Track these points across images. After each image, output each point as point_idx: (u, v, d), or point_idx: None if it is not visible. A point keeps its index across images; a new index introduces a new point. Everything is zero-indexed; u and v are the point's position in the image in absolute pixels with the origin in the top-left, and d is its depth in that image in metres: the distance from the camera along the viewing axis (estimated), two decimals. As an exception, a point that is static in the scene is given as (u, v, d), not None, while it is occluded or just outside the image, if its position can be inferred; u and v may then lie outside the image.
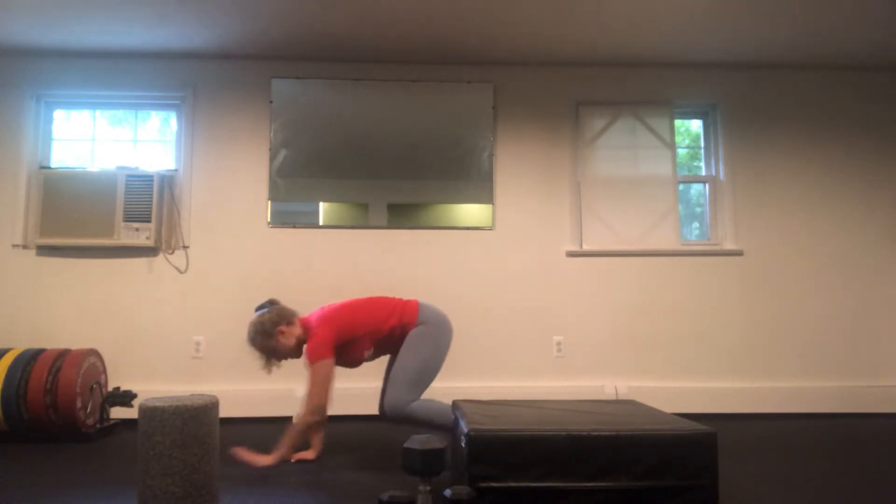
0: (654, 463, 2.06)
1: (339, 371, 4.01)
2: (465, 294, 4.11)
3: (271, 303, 2.82)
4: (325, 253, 4.09)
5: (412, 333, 2.76)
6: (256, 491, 2.33)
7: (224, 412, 3.85)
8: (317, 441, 2.83)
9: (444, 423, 2.67)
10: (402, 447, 1.80)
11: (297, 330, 2.76)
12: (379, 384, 3.95)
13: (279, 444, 2.64)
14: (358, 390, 3.94)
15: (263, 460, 2.60)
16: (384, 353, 2.89)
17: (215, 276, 4.04)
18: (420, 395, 2.71)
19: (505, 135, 4.24)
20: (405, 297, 4.05)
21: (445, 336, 2.81)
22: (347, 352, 2.75)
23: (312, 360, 2.64)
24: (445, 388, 3.96)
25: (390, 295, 4.05)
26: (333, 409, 3.91)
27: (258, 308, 2.80)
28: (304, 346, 2.75)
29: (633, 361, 4.11)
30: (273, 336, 2.72)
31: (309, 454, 2.79)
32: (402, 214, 4.13)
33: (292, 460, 2.75)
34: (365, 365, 4.02)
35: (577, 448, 2.06)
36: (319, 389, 2.62)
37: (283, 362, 2.91)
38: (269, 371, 2.82)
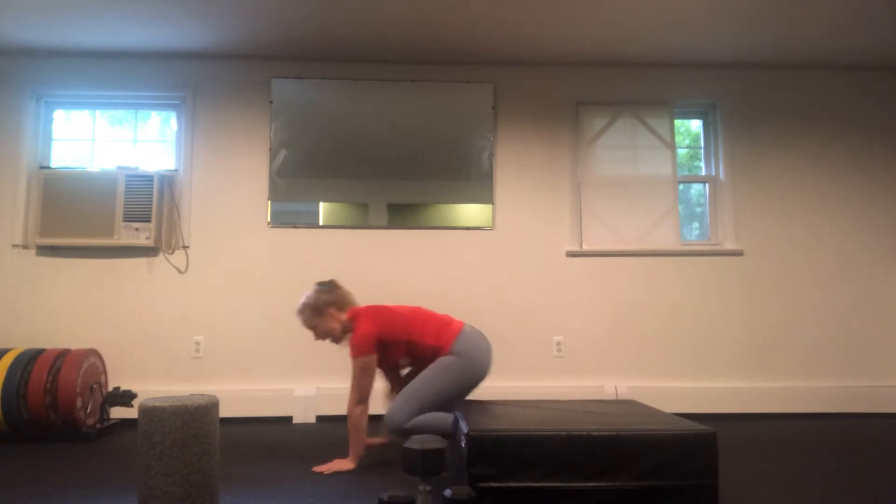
0: (654, 463, 2.06)
1: (340, 371, 4.01)
2: (465, 294, 4.11)
3: (331, 283, 2.83)
4: (325, 253, 4.09)
5: (443, 359, 2.73)
6: (256, 491, 2.33)
7: (224, 412, 3.85)
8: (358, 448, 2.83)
9: (440, 429, 2.67)
10: (403, 447, 1.80)
11: (344, 317, 2.78)
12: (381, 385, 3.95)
13: (351, 446, 2.64)
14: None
15: (346, 465, 2.62)
16: (417, 366, 2.86)
17: (215, 276, 4.04)
18: (416, 413, 2.69)
19: (505, 135, 4.24)
20: (407, 297, 4.05)
21: (476, 373, 2.75)
22: (385, 353, 2.75)
23: (356, 355, 2.65)
24: (445, 388, 3.95)
25: (392, 295, 4.05)
26: (334, 409, 3.91)
27: (319, 283, 2.82)
28: (349, 338, 2.75)
29: (633, 361, 4.11)
30: (321, 314, 2.75)
31: (348, 464, 2.71)
32: (402, 214, 4.13)
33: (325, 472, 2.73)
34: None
35: (577, 448, 2.06)
36: (363, 383, 2.64)
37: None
38: (339, 342, 2.82)
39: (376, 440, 2.90)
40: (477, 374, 2.77)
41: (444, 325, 2.79)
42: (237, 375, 3.97)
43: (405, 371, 3.01)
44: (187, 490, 1.80)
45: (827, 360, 4.15)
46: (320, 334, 2.79)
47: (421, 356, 2.78)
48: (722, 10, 3.56)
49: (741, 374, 4.12)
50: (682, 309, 4.16)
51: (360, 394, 2.65)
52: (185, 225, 4.06)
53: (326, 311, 2.75)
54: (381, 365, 2.84)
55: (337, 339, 2.82)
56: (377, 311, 2.76)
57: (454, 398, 2.75)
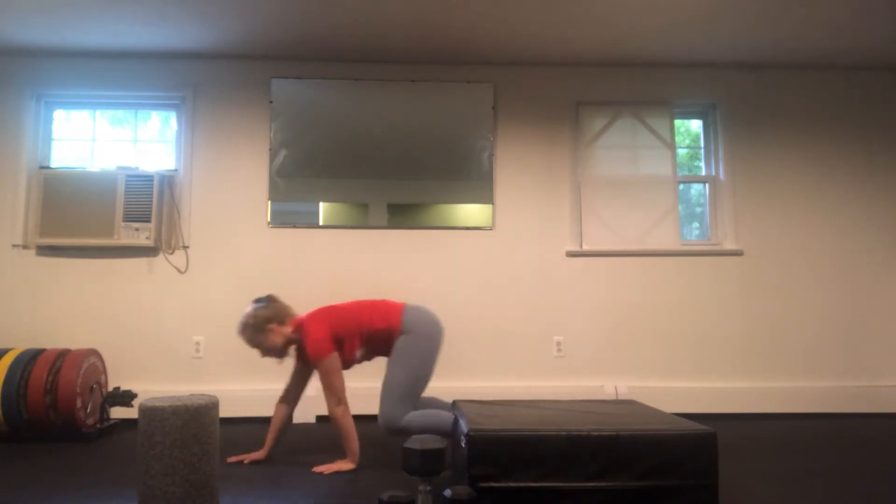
0: (654, 463, 2.06)
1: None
2: (465, 294, 4.11)
3: (269, 298, 2.82)
4: (325, 253, 4.09)
5: (398, 344, 2.75)
6: (256, 491, 2.33)
7: (224, 412, 3.85)
8: (270, 440, 2.85)
9: (439, 429, 2.67)
10: (402, 447, 1.80)
11: (287, 330, 2.77)
12: (379, 384, 3.95)
13: (346, 446, 2.66)
14: (358, 390, 3.93)
15: (346, 465, 2.64)
16: (376, 355, 2.89)
17: (215, 276, 4.04)
18: (412, 406, 2.72)
19: (505, 135, 4.24)
20: (407, 297, 4.05)
21: (433, 342, 2.79)
22: (340, 350, 2.77)
23: (319, 358, 2.65)
24: (445, 388, 3.95)
25: (391, 295, 4.05)
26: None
27: (256, 301, 2.81)
28: (304, 347, 2.76)
29: (633, 361, 4.11)
30: (263, 331, 2.74)
31: (259, 454, 2.81)
32: (402, 214, 4.13)
33: (245, 462, 2.76)
34: (364, 365, 4.01)
35: (576, 448, 2.06)
36: (335, 383, 2.65)
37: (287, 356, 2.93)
38: (280, 360, 2.85)
39: (258, 455, 2.82)
40: (436, 340, 2.80)
41: (389, 308, 2.82)
42: (237, 375, 3.97)
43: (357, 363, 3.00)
44: (187, 490, 1.80)
45: (827, 360, 4.15)
46: (266, 351, 2.79)
47: (376, 342, 2.80)
48: (722, 10, 3.56)
49: (741, 374, 4.12)
50: (682, 309, 4.16)
51: (336, 395, 2.66)
52: (185, 225, 4.06)
53: (267, 327, 2.73)
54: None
55: (281, 354, 2.82)
56: (323, 313, 2.77)
57: (430, 372, 2.77)
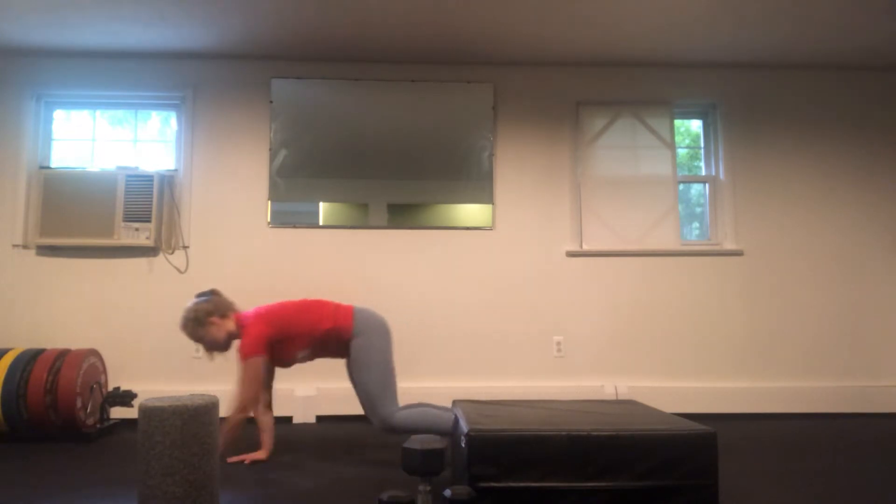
0: (654, 463, 2.06)
1: (340, 371, 4.01)
2: (464, 294, 4.11)
3: (212, 293, 2.84)
4: (325, 253, 4.09)
5: (356, 348, 2.76)
6: (256, 491, 2.33)
7: (224, 412, 3.85)
8: (267, 440, 2.86)
9: (437, 428, 2.69)
10: (402, 447, 1.80)
11: (229, 324, 2.79)
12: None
13: (225, 437, 2.67)
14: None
15: (259, 455, 2.67)
16: (321, 356, 2.90)
17: (215, 276, 4.04)
18: (397, 400, 2.75)
19: (505, 135, 4.24)
20: (408, 298, 4.05)
21: (385, 339, 2.82)
22: (281, 351, 2.78)
23: (244, 357, 2.65)
24: (445, 388, 3.96)
25: (392, 295, 4.05)
26: (334, 409, 3.91)
27: (198, 295, 2.83)
28: (237, 342, 2.78)
29: (633, 361, 4.11)
30: (204, 325, 2.75)
31: (261, 454, 2.82)
32: (402, 214, 4.13)
33: (246, 462, 2.77)
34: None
35: (577, 448, 2.06)
36: (248, 386, 2.65)
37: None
38: (212, 358, 2.87)
39: (259, 454, 2.83)
40: (387, 336, 2.82)
41: (337, 309, 2.82)
42: (237, 375, 3.96)
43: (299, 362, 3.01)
44: (187, 490, 1.80)
45: (827, 360, 4.15)
46: (209, 346, 2.80)
47: (321, 343, 2.80)
48: (722, 10, 3.56)
49: (741, 374, 4.13)
50: (682, 309, 4.16)
51: (244, 399, 2.66)
52: (185, 225, 4.06)
53: (208, 320, 2.75)
54: (278, 363, 2.86)
55: (223, 348, 2.83)
56: (267, 312, 2.77)
57: (394, 366, 2.80)
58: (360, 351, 2.75)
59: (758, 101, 4.34)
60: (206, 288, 4.02)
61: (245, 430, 3.52)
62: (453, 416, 2.63)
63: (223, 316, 2.78)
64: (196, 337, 2.78)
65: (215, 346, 2.80)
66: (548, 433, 2.07)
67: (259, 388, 2.68)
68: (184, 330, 2.78)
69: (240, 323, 2.81)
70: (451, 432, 2.65)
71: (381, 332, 2.81)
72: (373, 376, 2.72)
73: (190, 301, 2.81)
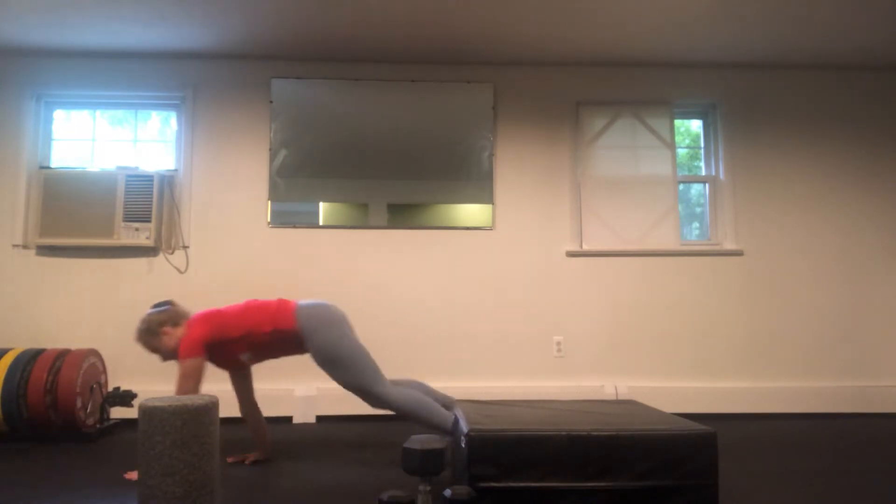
0: (654, 463, 2.06)
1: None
2: (464, 294, 4.11)
3: (168, 303, 2.83)
4: (325, 253, 4.09)
5: (316, 353, 2.73)
6: (256, 491, 2.33)
7: (224, 412, 3.85)
8: (261, 439, 2.86)
9: (435, 419, 2.70)
10: (403, 447, 1.80)
11: (180, 331, 2.77)
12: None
13: None
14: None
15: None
16: (266, 358, 2.88)
17: (215, 276, 4.04)
18: (382, 376, 2.74)
19: (505, 135, 4.24)
20: (408, 298, 4.05)
21: (340, 326, 2.78)
22: (222, 353, 2.77)
23: (182, 358, 2.65)
24: (445, 388, 3.95)
25: (393, 295, 4.05)
26: (334, 409, 3.91)
27: (154, 306, 2.82)
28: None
29: (633, 361, 4.11)
30: (157, 335, 2.74)
31: (259, 454, 2.83)
32: (402, 214, 4.13)
33: (247, 462, 2.77)
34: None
35: (577, 448, 2.06)
36: (187, 386, 2.63)
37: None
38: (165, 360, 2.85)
39: (255, 455, 2.85)
40: (341, 323, 2.78)
41: (280, 309, 2.79)
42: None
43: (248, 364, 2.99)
44: (187, 490, 1.80)
45: (827, 360, 4.15)
46: (164, 355, 2.79)
47: (262, 346, 2.78)
48: (722, 10, 3.56)
49: (741, 374, 4.12)
50: (682, 309, 4.16)
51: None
52: (185, 225, 4.06)
53: (161, 330, 2.74)
54: (224, 366, 2.85)
55: (178, 356, 2.82)
56: (207, 315, 2.76)
57: (359, 345, 2.77)
58: (322, 351, 2.73)
59: (758, 101, 4.34)
60: (205, 287, 4.02)
61: (244, 432, 3.51)
62: (453, 416, 2.64)
63: (175, 325, 2.76)
64: (151, 347, 2.77)
65: (169, 354, 2.79)
66: (548, 433, 2.07)
67: (197, 388, 2.65)
68: (138, 341, 2.77)
69: (188, 328, 2.80)
70: (450, 430, 2.66)
71: (332, 321, 2.77)
72: (350, 369, 2.71)
73: (145, 313, 2.80)
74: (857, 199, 4.28)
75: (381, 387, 2.71)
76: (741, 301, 4.18)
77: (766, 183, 4.28)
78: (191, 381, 2.62)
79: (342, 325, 2.79)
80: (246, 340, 2.75)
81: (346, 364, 2.72)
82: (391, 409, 2.72)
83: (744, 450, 3.06)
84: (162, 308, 2.80)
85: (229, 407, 3.87)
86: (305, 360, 3.99)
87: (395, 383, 2.92)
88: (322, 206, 4.11)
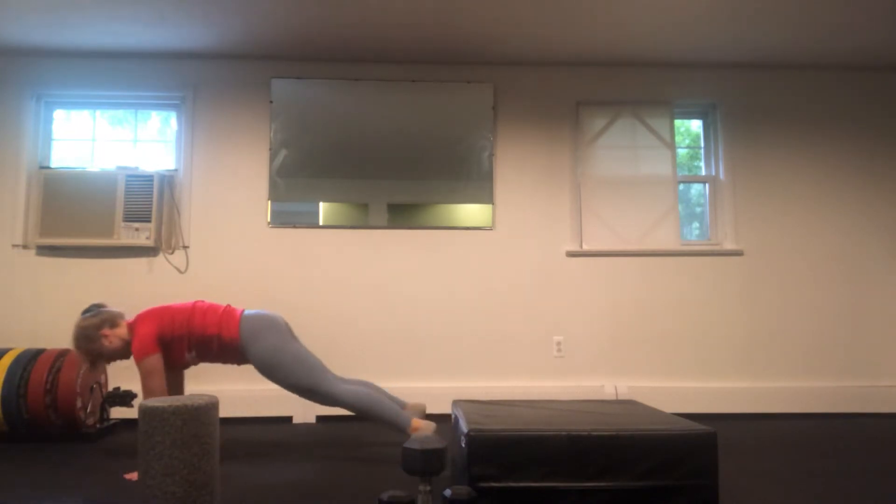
0: (654, 463, 2.06)
1: (341, 371, 4.01)
2: (464, 294, 4.11)
3: (96, 306, 2.80)
4: (325, 253, 4.09)
5: (257, 359, 2.74)
6: (256, 491, 2.33)
7: (224, 412, 3.85)
8: None
9: (386, 417, 2.72)
10: (402, 447, 1.80)
11: (121, 331, 2.76)
12: (382, 384, 3.95)
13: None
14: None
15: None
16: (209, 360, 2.88)
17: (215, 276, 4.04)
18: (327, 372, 2.76)
19: (505, 135, 4.24)
20: (408, 298, 4.05)
21: (280, 331, 2.79)
22: (169, 350, 2.75)
23: (140, 358, 2.64)
24: (445, 388, 3.95)
25: (393, 295, 4.05)
26: (334, 410, 3.91)
27: (83, 312, 2.79)
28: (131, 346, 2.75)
29: (633, 361, 4.11)
30: (96, 340, 2.71)
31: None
32: (403, 214, 4.13)
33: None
34: (369, 366, 4.02)
35: (577, 448, 2.06)
36: (153, 384, 2.62)
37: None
38: (97, 370, 2.83)
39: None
40: (279, 327, 2.80)
41: (227, 314, 2.80)
42: (237, 375, 3.96)
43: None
44: (187, 490, 1.80)
45: (827, 360, 4.15)
46: (109, 358, 2.77)
47: (207, 347, 2.78)
48: (722, 10, 3.56)
49: (741, 374, 4.12)
50: (682, 309, 4.16)
51: (154, 397, 2.62)
52: (185, 225, 4.06)
53: (98, 333, 2.71)
54: (170, 363, 2.83)
55: (124, 356, 2.80)
56: (154, 312, 2.75)
57: (301, 349, 2.79)
58: (264, 357, 2.73)
59: (758, 101, 4.34)
60: (205, 287, 4.02)
61: (245, 432, 3.51)
62: (407, 416, 2.70)
63: (113, 325, 2.73)
64: (93, 353, 2.72)
65: (114, 355, 2.77)
66: (548, 433, 2.07)
67: (162, 384, 2.64)
68: (77, 351, 2.72)
69: (130, 328, 2.77)
70: (404, 428, 2.70)
71: (272, 328, 2.78)
72: (295, 370, 2.72)
73: (76, 320, 2.76)
74: (857, 199, 4.28)
75: (329, 385, 2.71)
76: (741, 301, 4.18)
77: (766, 183, 4.28)
78: (155, 378, 2.61)
79: (284, 332, 2.80)
80: (190, 340, 2.74)
81: (290, 366, 2.72)
82: (343, 406, 2.72)
83: (744, 450, 3.06)
84: (94, 312, 2.76)
85: (229, 407, 3.87)
86: (305, 360, 3.99)
87: (345, 382, 2.92)
88: (322, 206, 4.11)
